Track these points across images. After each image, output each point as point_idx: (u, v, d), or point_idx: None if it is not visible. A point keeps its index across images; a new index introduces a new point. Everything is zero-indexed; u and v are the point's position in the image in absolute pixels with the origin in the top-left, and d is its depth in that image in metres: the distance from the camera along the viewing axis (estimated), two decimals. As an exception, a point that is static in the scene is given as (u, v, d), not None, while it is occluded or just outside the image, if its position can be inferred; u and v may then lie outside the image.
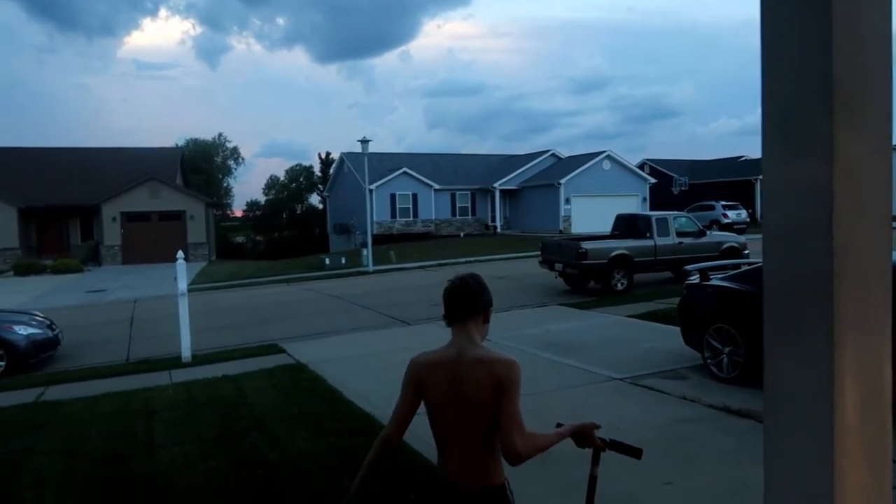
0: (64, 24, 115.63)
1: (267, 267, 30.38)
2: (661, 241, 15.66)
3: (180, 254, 10.29)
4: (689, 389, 6.95)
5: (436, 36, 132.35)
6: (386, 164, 40.77)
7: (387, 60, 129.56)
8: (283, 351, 10.38)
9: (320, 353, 10.06)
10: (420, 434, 5.88)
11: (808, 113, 1.70)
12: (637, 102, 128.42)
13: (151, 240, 32.61)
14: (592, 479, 2.60)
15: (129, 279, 25.70)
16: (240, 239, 66.03)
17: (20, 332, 10.31)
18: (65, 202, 33.88)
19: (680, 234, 16.00)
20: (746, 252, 16.30)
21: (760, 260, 7.47)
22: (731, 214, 34.25)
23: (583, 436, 2.48)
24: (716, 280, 7.95)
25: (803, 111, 1.71)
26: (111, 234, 32.96)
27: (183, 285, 10.14)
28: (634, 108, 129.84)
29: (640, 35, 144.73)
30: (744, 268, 8.92)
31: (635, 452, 2.57)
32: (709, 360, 7.47)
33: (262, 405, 7.09)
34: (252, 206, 71.36)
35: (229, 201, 72.81)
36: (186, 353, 10.06)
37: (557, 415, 6.50)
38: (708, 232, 17.06)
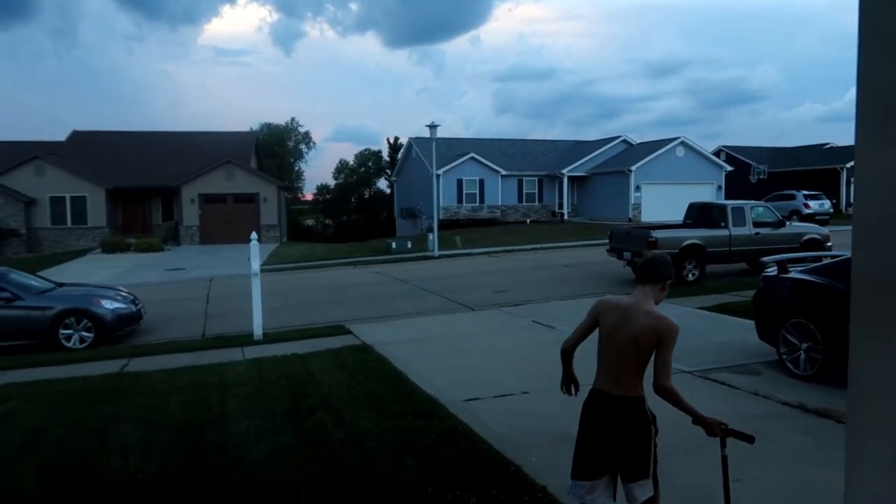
0: (150, 13, 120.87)
1: (335, 250, 31.06)
2: (736, 231, 15.08)
3: (254, 235, 10.62)
4: (763, 385, 6.70)
5: (507, 20, 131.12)
6: (453, 149, 40.81)
7: (457, 45, 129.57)
8: (349, 332, 10.60)
9: (385, 335, 10.22)
10: (488, 422, 5.90)
11: (909, 96, 1.59)
12: (714, 87, 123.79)
13: (227, 221, 33.84)
14: (724, 458, 3.29)
15: (205, 258, 26.76)
16: (310, 222, 67.70)
17: (107, 307, 10.92)
18: (148, 184, 35.58)
19: (757, 224, 15.36)
20: (829, 244, 15.50)
21: (844, 253, 7.09)
22: (814, 205, 32.61)
23: (709, 427, 3.23)
24: (795, 273, 7.59)
25: (903, 94, 1.60)
26: (190, 214, 34.38)
27: (256, 266, 10.48)
28: (711, 92, 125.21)
29: (719, 16, 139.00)
30: (825, 261, 8.50)
31: (749, 439, 3.20)
32: (784, 356, 7.16)
33: (328, 384, 7.27)
34: (322, 189, 72.93)
35: (300, 185, 74.68)
36: (258, 331, 10.41)
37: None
38: (788, 223, 16.30)
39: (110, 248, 29.75)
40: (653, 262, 3.35)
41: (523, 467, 4.81)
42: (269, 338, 10.42)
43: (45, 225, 33.43)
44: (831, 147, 45.98)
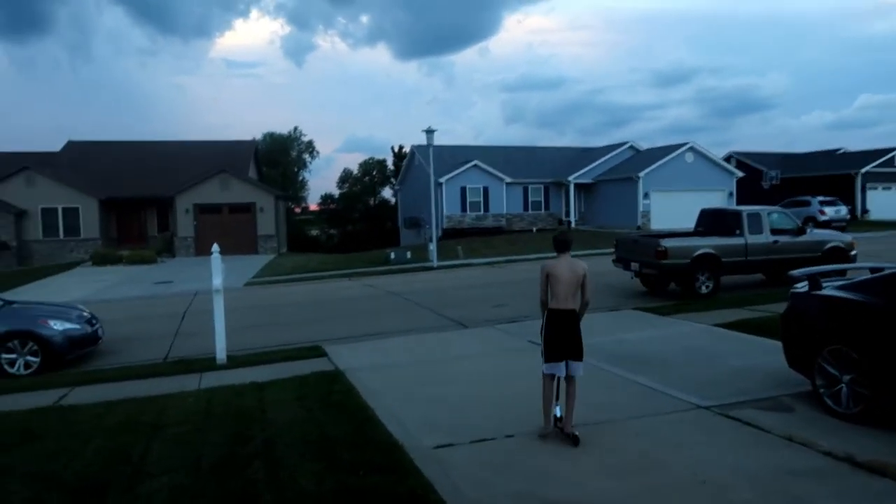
0: (164, 28, 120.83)
1: (331, 260, 30.02)
2: (752, 239, 13.88)
3: (215, 247, 9.53)
4: (798, 427, 5.52)
5: (515, 31, 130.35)
6: (457, 156, 39.75)
7: (466, 56, 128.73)
8: (324, 354, 9.51)
9: (362, 358, 9.13)
10: (459, 480, 4.74)
11: None
12: (725, 95, 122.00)
13: (223, 231, 32.78)
14: None
15: (197, 271, 25.74)
16: (315, 232, 66.74)
17: (55, 328, 9.87)
18: (143, 194, 34.71)
19: (774, 231, 14.14)
20: (854, 253, 14.28)
21: (887, 265, 5.48)
22: (829, 211, 31.31)
23: None
24: (831, 289, 6.41)
25: None
26: (185, 225, 33.46)
27: (218, 282, 9.40)
28: (722, 100, 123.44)
29: (728, 24, 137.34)
30: (852, 275, 7.37)
31: None
32: (821, 390, 5.97)
33: (279, 424, 6.16)
34: (326, 199, 72.12)
35: (305, 195, 73.89)
36: (221, 354, 9.35)
37: (625, 454, 5.17)
38: (808, 229, 15.06)
39: (101, 260, 28.86)
40: (566, 240, 5.68)
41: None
42: (235, 362, 9.35)
43: (37, 237, 32.60)
44: (845, 152, 44.61)
